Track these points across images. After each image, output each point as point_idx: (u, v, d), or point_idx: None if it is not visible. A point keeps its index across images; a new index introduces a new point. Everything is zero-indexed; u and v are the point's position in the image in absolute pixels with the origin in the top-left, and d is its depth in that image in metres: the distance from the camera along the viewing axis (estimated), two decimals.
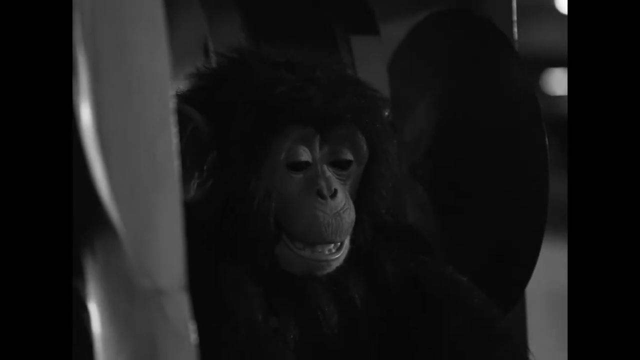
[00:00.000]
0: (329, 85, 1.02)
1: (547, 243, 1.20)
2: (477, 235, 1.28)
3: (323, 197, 1.02)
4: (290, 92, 1.00)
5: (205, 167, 1.02)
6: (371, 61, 1.34)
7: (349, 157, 1.05)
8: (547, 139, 1.16)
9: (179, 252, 0.75)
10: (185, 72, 1.12)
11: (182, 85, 1.09)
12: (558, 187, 1.29)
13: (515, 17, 1.25)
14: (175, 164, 0.75)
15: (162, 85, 0.75)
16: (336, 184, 1.03)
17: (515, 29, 1.25)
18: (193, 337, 0.75)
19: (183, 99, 1.06)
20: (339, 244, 1.03)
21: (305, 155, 1.02)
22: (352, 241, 1.06)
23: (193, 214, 1.01)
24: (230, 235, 1.02)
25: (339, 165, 1.05)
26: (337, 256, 1.03)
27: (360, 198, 1.07)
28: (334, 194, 1.02)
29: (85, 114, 0.74)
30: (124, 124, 0.75)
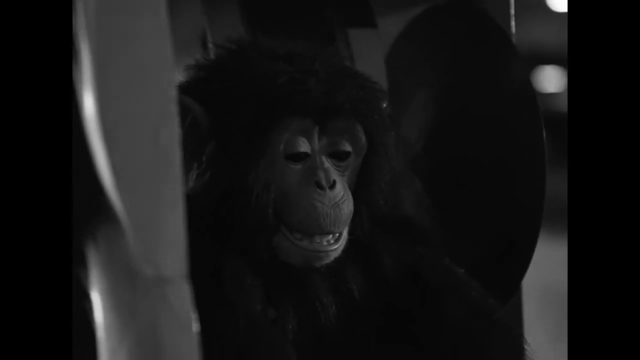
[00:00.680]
0: (328, 77, 1.02)
1: (543, 238, 1.21)
2: (475, 229, 1.28)
3: (322, 188, 1.02)
4: (289, 83, 1.00)
5: (204, 158, 1.03)
6: (369, 54, 1.34)
7: (348, 148, 1.05)
8: (544, 134, 1.17)
9: (181, 240, 0.75)
10: (184, 63, 1.12)
11: (181, 77, 1.09)
12: (554, 183, 1.29)
13: (512, 11, 1.26)
14: (178, 153, 0.75)
15: (165, 74, 0.76)
16: (335, 175, 1.04)
17: (513, 23, 1.25)
18: (195, 325, 0.75)
19: (182, 90, 1.05)
20: (337, 235, 1.04)
21: (304, 146, 1.03)
22: (350, 232, 1.06)
23: (192, 205, 1.01)
24: (229, 227, 1.02)
25: (338, 156, 1.05)
26: (335, 247, 1.03)
27: (358, 189, 1.07)
28: (332, 185, 1.02)
29: (89, 104, 0.74)
30: (127, 113, 0.75)
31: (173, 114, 0.75)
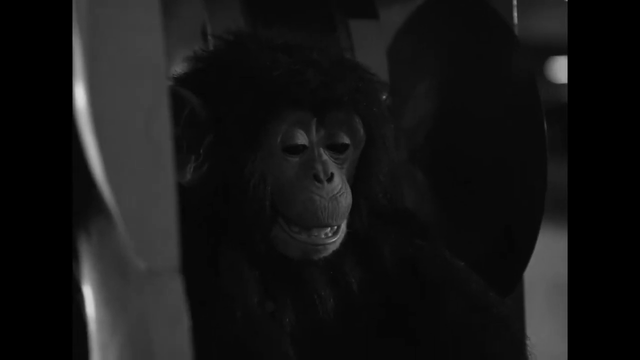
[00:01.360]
0: (326, 68, 1.02)
1: (545, 230, 1.20)
2: (475, 222, 1.27)
3: (319, 180, 1.01)
4: (287, 75, 1.00)
5: (202, 151, 1.02)
6: (370, 45, 1.33)
7: (346, 140, 1.04)
8: (545, 126, 1.16)
9: (173, 233, 0.75)
10: (184, 56, 1.11)
11: (180, 68, 1.08)
12: (557, 175, 1.28)
13: (515, 2, 1.25)
14: (169, 145, 0.75)
15: (156, 67, 0.75)
16: (333, 167, 1.03)
17: (515, 14, 1.24)
18: (187, 318, 0.75)
19: (180, 82, 1.05)
20: (335, 227, 1.03)
21: (301, 138, 1.02)
22: (349, 225, 1.06)
23: (190, 197, 1.01)
24: (226, 219, 1.01)
25: (336, 148, 1.04)
26: (333, 240, 1.03)
27: (357, 182, 1.06)
28: (330, 178, 1.02)
29: (80, 96, 0.74)
30: (118, 106, 0.74)
31: (164, 107, 0.75)
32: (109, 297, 0.77)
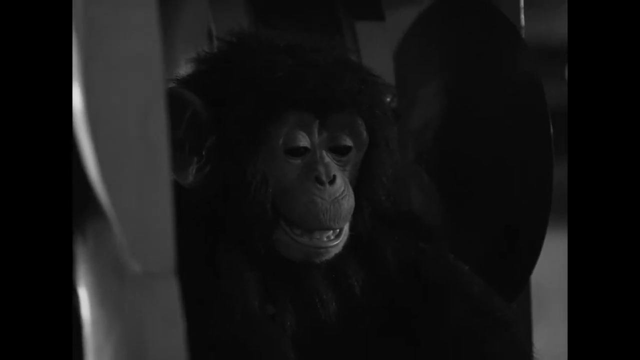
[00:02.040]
0: (328, 70, 1.01)
1: (555, 232, 1.19)
2: (482, 223, 1.27)
3: (321, 183, 1.01)
4: (289, 76, 1.00)
5: (204, 152, 1.02)
6: (376, 47, 1.33)
7: (349, 143, 1.04)
8: (551, 127, 1.15)
9: (169, 235, 0.74)
10: (188, 57, 1.11)
11: (183, 70, 1.08)
12: (563, 176, 1.27)
13: (522, 4, 1.24)
14: (165, 147, 0.74)
15: (153, 67, 0.75)
16: (335, 170, 1.03)
17: (523, 16, 1.24)
18: (182, 321, 0.74)
19: (183, 83, 1.05)
20: (337, 230, 1.03)
21: (303, 140, 1.02)
22: (351, 228, 1.05)
23: (192, 199, 1.01)
24: (228, 221, 1.01)
25: (338, 151, 1.04)
26: (335, 243, 1.02)
27: (360, 184, 1.06)
28: (332, 180, 1.01)
29: (76, 96, 0.73)
30: (114, 107, 0.74)
31: (161, 108, 0.74)
32: (104, 299, 0.77)
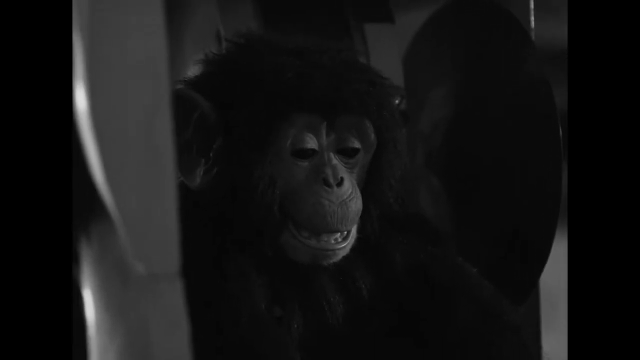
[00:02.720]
0: (336, 72, 1.01)
1: (562, 236, 1.18)
2: (491, 226, 1.26)
3: (329, 185, 1.01)
4: (296, 78, 0.99)
5: (211, 154, 1.02)
6: (385, 50, 1.32)
7: (356, 145, 1.03)
8: (561, 130, 1.15)
9: (174, 238, 0.74)
10: (197, 59, 1.11)
11: (191, 72, 1.08)
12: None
13: (532, 6, 1.24)
14: (171, 149, 0.74)
15: (158, 69, 0.75)
16: (343, 172, 1.02)
17: (532, 18, 1.23)
18: (186, 323, 0.74)
19: (190, 85, 1.05)
20: (345, 233, 1.02)
21: (311, 142, 1.01)
22: (359, 231, 1.05)
23: (199, 201, 1.01)
24: (235, 223, 1.01)
25: (346, 153, 1.04)
26: (343, 245, 1.02)
27: (368, 187, 1.05)
28: (340, 182, 1.01)
29: (80, 98, 0.73)
30: (120, 110, 0.74)
31: (166, 110, 0.74)
32: (108, 301, 0.77)
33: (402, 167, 1.08)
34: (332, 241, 1.02)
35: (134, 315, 0.75)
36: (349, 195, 1.01)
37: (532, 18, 1.23)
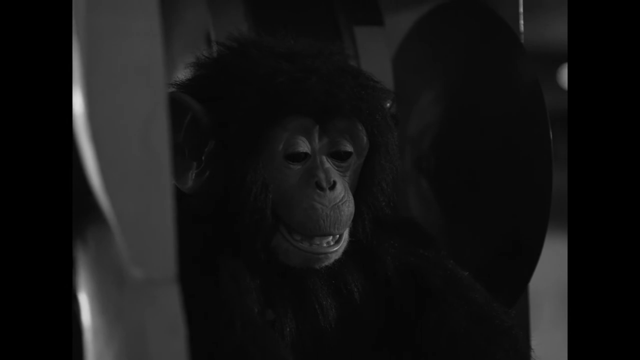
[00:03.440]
0: (329, 75, 1.01)
1: (551, 238, 1.19)
2: (481, 229, 1.27)
3: (322, 188, 1.01)
4: (289, 82, 0.99)
5: (203, 158, 1.02)
6: (375, 52, 1.33)
7: (349, 148, 1.03)
8: (551, 133, 1.15)
9: (170, 242, 0.74)
10: (187, 61, 1.11)
11: (182, 75, 1.08)
12: (563, 181, 1.27)
13: (521, 9, 1.24)
14: (167, 154, 0.74)
15: (155, 74, 0.75)
16: (335, 175, 1.02)
17: (522, 21, 1.24)
18: (183, 328, 0.74)
19: (182, 88, 1.05)
20: (337, 236, 1.02)
21: (303, 146, 1.01)
22: (351, 234, 1.05)
23: (190, 204, 1.01)
24: (228, 227, 1.01)
25: (339, 156, 1.04)
26: (335, 249, 1.02)
27: (360, 190, 1.05)
28: (332, 186, 1.01)
29: (77, 102, 0.73)
30: (116, 113, 0.74)
31: (163, 115, 0.74)
32: (105, 306, 0.76)
33: (394, 170, 1.08)
34: (325, 244, 1.02)
35: (130, 319, 0.75)
36: (341, 198, 1.01)
37: (521, 21, 1.24)
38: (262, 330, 0.97)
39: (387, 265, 1.08)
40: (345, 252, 1.04)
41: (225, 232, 1.01)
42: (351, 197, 1.03)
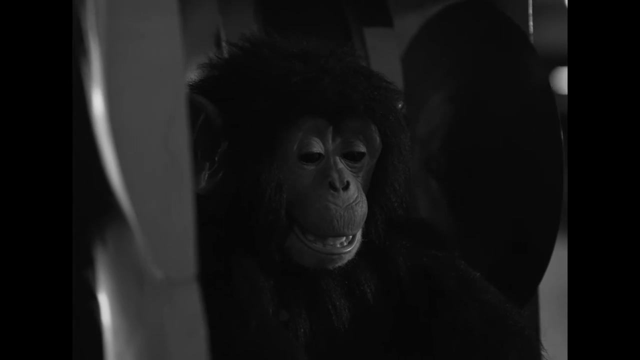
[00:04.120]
0: (342, 76, 1.01)
1: (562, 239, 1.19)
2: (491, 230, 1.27)
3: (335, 189, 1.01)
4: (303, 83, 0.99)
5: (216, 158, 1.02)
6: (384, 53, 1.33)
7: (362, 149, 1.04)
8: (562, 134, 1.15)
9: (190, 242, 0.74)
10: (197, 61, 1.11)
11: (194, 75, 1.08)
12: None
13: (530, 11, 1.24)
14: (187, 154, 0.74)
15: (175, 74, 0.75)
16: (349, 176, 1.02)
17: (531, 23, 1.24)
18: (204, 328, 0.74)
19: (195, 89, 1.05)
20: (350, 237, 1.02)
21: (317, 146, 1.01)
22: (364, 235, 1.05)
23: (204, 205, 1.00)
24: (241, 228, 1.01)
25: (352, 157, 1.04)
26: (348, 249, 1.02)
27: (373, 191, 1.06)
28: (346, 186, 1.01)
29: (97, 103, 0.73)
30: (136, 114, 0.74)
31: (183, 115, 0.74)
32: (125, 306, 0.76)
33: (406, 171, 1.08)
34: (338, 245, 1.02)
35: (150, 319, 0.75)
36: (354, 199, 1.01)
37: (531, 22, 1.24)
38: (277, 330, 0.97)
39: (400, 265, 1.08)
40: (358, 253, 1.04)
41: (239, 233, 1.01)
42: (364, 198, 1.03)
